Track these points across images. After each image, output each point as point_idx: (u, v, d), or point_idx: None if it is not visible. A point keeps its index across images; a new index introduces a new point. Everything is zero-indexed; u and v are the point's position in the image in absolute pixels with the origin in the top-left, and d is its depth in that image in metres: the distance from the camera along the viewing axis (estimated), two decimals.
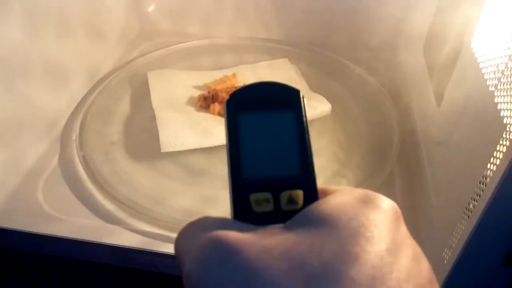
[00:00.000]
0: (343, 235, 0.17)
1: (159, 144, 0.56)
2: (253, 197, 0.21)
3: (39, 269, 0.52)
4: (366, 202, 0.19)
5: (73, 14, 0.64)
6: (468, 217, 0.38)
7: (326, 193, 0.21)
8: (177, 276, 0.48)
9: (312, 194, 0.21)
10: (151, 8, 0.86)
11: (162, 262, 0.48)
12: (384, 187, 0.53)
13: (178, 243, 0.21)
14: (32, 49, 0.56)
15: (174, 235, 0.48)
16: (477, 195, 0.36)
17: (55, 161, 0.58)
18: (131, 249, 0.48)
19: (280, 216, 0.20)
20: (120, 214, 0.51)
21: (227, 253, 0.17)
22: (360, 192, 0.20)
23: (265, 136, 0.22)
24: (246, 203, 0.21)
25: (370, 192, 0.20)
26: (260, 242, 0.18)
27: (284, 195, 0.21)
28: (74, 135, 0.60)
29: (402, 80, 0.70)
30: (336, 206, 0.19)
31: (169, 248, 0.48)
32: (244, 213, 0.21)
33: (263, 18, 0.82)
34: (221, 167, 0.56)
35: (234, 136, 0.22)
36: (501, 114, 0.34)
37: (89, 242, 0.48)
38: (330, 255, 0.17)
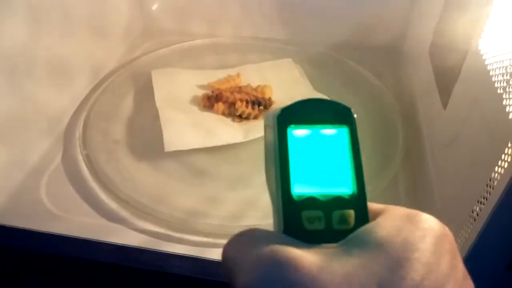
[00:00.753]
0: (400, 261, 0.17)
1: (162, 144, 0.56)
2: (305, 214, 0.21)
3: (51, 269, 0.51)
4: (418, 224, 0.19)
5: (77, 13, 0.64)
6: (474, 220, 0.37)
7: (374, 212, 0.21)
8: (181, 276, 0.48)
9: (364, 214, 0.21)
10: (155, 7, 0.86)
11: (165, 261, 0.48)
12: (388, 190, 0.52)
13: (228, 253, 0.21)
14: (36, 47, 0.56)
15: (177, 234, 0.48)
16: (484, 198, 0.36)
17: (58, 159, 0.58)
18: (134, 248, 0.48)
19: (331, 235, 0.20)
20: (123, 213, 0.51)
21: (287, 270, 0.17)
22: (412, 213, 0.20)
23: (317, 152, 0.22)
24: (297, 220, 0.20)
25: (421, 214, 0.20)
26: (319, 262, 0.18)
27: (336, 214, 0.21)
28: (78, 134, 0.60)
29: (407, 82, 0.70)
30: (390, 229, 0.19)
31: (172, 248, 0.47)
32: (295, 229, 0.20)
33: (267, 18, 0.82)
34: (224, 167, 0.56)
35: (285, 151, 0.21)
36: (510, 117, 0.33)
37: (92, 241, 0.48)
38: (388, 281, 0.17)
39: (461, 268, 0.19)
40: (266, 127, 0.24)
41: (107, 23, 0.74)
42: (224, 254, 0.21)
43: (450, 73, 0.49)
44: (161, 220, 0.49)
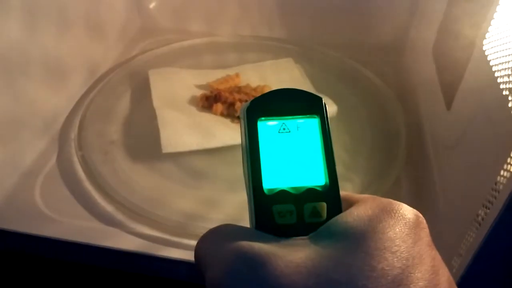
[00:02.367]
0: (369, 249, 0.17)
1: (159, 145, 0.55)
2: (276, 208, 0.20)
3: (44, 273, 0.51)
4: (391, 213, 0.19)
5: (73, 11, 0.63)
6: (480, 225, 0.37)
7: (348, 201, 0.21)
8: (177, 281, 0.47)
9: (336, 206, 0.21)
10: (152, 5, 0.85)
11: (162, 266, 0.47)
12: (390, 192, 0.52)
13: (199, 249, 0.21)
14: (31, 46, 0.55)
15: (174, 238, 0.47)
16: (489, 203, 0.36)
17: (53, 160, 0.57)
18: (130, 252, 0.47)
19: (303, 228, 0.20)
20: (119, 216, 0.50)
21: (254, 266, 0.17)
22: (384, 202, 0.20)
23: (288, 144, 0.22)
24: (268, 215, 0.20)
25: (394, 202, 0.20)
26: (287, 256, 0.17)
27: (308, 207, 0.21)
28: (73, 134, 0.59)
29: (410, 82, 0.69)
30: (360, 219, 0.19)
31: (169, 252, 0.47)
32: (267, 224, 0.20)
33: (266, 16, 0.81)
34: (223, 169, 0.55)
35: (255, 145, 0.21)
36: None
37: (87, 245, 0.47)
38: (357, 272, 0.17)
39: (435, 257, 0.18)
40: (240, 120, 0.23)
41: (104, 21, 0.73)
42: (196, 249, 0.21)
43: (454, 73, 0.48)
44: (158, 223, 0.48)
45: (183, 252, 0.46)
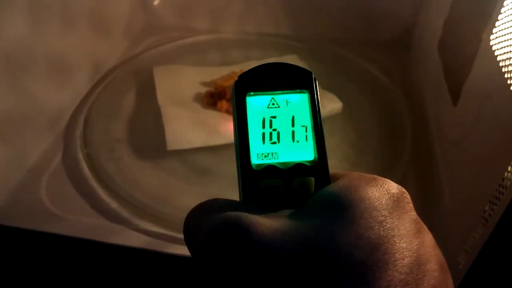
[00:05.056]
0: (355, 218, 0.17)
1: (165, 142, 0.55)
2: (265, 183, 0.20)
3: (50, 269, 0.51)
4: (377, 186, 0.19)
5: (78, 8, 0.63)
6: (486, 221, 0.37)
7: (335, 178, 0.21)
8: (182, 278, 0.47)
9: (325, 181, 0.20)
10: (156, 2, 0.85)
11: (167, 263, 0.47)
12: None
13: (188, 222, 0.21)
14: (36, 43, 0.55)
15: (180, 235, 0.47)
16: (496, 199, 0.35)
17: (58, 158, 0.57)
18: (135, 249, 0.47)
19: (291, 203, 0.20)
20: (124, 213, 0.50)
21: (239, 235, 0.17)
22: (369, 177, 0.20)
23: (277, 120, 0.21)
24: (256, 189, 0.20)
25: (379, 177, 0.20)
26: (273, 225, 0.17)
27: (296, 182, 0.20)
28: (78, 132, 0.59)
29: (416, 78, 0.69)
30: (347, 189, 0.18)
31: (174, 249, 0.47)
32: (254, 199, 0.20)
33: (271, 13, 0.81)
34: (228, 166, 0.55)
35: (243, 120, 0.21)
36: None
37: (92, 241, 0.47)
38: (343, 239, 0.16)
39: (421, 229, 0.18)
40: (230, 97, 0.23)
41: (108, 18, 0.73)
42: (184, 222, 0.21)
43: (460, 69, 0.48)
44: (163, 220, 0.48)
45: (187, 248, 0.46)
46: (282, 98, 0.22)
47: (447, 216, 0.47)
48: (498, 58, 0.39)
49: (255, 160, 0.21)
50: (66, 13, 0.61)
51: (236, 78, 0.22)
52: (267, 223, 0.18)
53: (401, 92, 0.66)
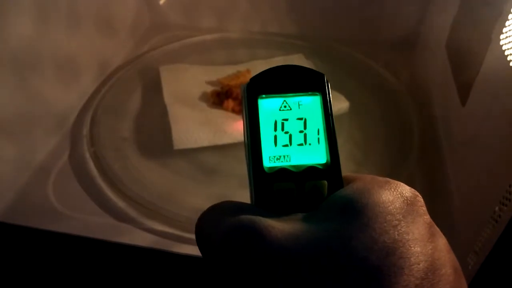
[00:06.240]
0: (370, 222, 0.17)
1: (171, 141, 0.55)
2: (277, 186, 0.20)
3: (57, 268, 0.51)
4: (390, 189, 0.19)
5: (84, 8, 0.63)
6: (496, 222, 0.36)
7: (348, 181, 0.20)
8: (188, 277, 0.47)
9: (337, 184, 0.20)
10: (162, 1, 0.85)
11: (173, 262, 0.47)
12: None
13: (200, 224, 0.21)
14: (43, 43, 0.55)
15: (186, 234, 0.47)
16: (506, 199, 0.35)
17: (65, 157, 0.57)
18: (142, 248, 0.47)
19: (304, 206, 0.20)
20: (131, 212, 0.50)
21: (253, 239, 0.17)
22: (382, 179, 0.20)
23: (289, 122, 0.21)
24: (268, 193, 0.20)
25: (392, 180, 0.19)
26: (286, 229, 0.17)
27: (308, 185, 0.20)
28: (85, 131, 0.59)
29: (423, 78, 0.69)
30: (360, 192, 0.18)
31: (181, 248, 0.47)
32: (267, 202, 0.20)
33: (277, 12, 0.81)
34: (235, 166, 0.55)
35: (255, 122, 0.21)
36: None
37: (99, 240, 0.47)
38: (358, 244, 0.16)
39: (435, 233, 0.18)
40: (241, 99, 0.23)
41: (114, 18, 0.73)
42: (196, 225, 0.21)
43: (469, 69, 0.48)
44: (169, 219, 0.48)
45: (194, 248, 0.46)
46: (294, 100, 0.21)
47: (456, 217, 0.46)
48: (509, 58, 0.39)
49: (267, 163, 0.21)
50: (73, 13, 0.61)
51: (242, 77, 0.22)
52: (281, 227, 0.17)
53: (408, 91, 0.66)
